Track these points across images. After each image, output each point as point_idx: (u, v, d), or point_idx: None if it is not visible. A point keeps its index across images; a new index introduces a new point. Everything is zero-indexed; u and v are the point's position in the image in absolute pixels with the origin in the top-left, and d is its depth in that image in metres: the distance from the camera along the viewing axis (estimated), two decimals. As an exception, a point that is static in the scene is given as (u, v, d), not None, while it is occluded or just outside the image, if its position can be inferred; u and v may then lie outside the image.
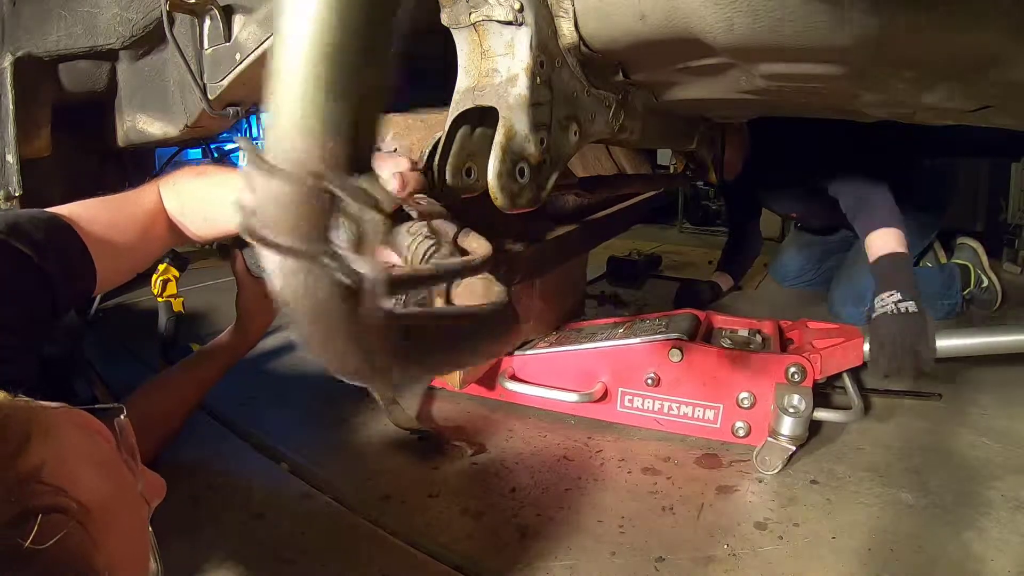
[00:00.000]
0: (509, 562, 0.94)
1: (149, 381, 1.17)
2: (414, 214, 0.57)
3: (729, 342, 1.34)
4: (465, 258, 0.53)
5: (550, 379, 1.36)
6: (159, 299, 1.62)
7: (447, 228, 0.58)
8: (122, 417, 0.50)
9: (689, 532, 1.00)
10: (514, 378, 1.37)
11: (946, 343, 1.27)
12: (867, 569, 0.91)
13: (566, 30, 0.66)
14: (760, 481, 1.13)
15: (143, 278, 1.60)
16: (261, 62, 0.85)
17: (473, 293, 0.60)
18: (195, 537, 0.99)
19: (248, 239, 0.31)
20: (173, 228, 0.91)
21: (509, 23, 0.61)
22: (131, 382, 1.19)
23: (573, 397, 1.31)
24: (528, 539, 0.98)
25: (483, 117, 0.66)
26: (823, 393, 1.35)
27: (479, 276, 0.58)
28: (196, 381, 1.23)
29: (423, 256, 0.55)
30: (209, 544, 0.98)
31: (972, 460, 1.18)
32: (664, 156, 2.57)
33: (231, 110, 0.97)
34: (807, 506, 1.06)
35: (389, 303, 0.35)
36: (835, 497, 1.08)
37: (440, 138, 0.67)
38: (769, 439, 1.14)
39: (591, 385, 1.32)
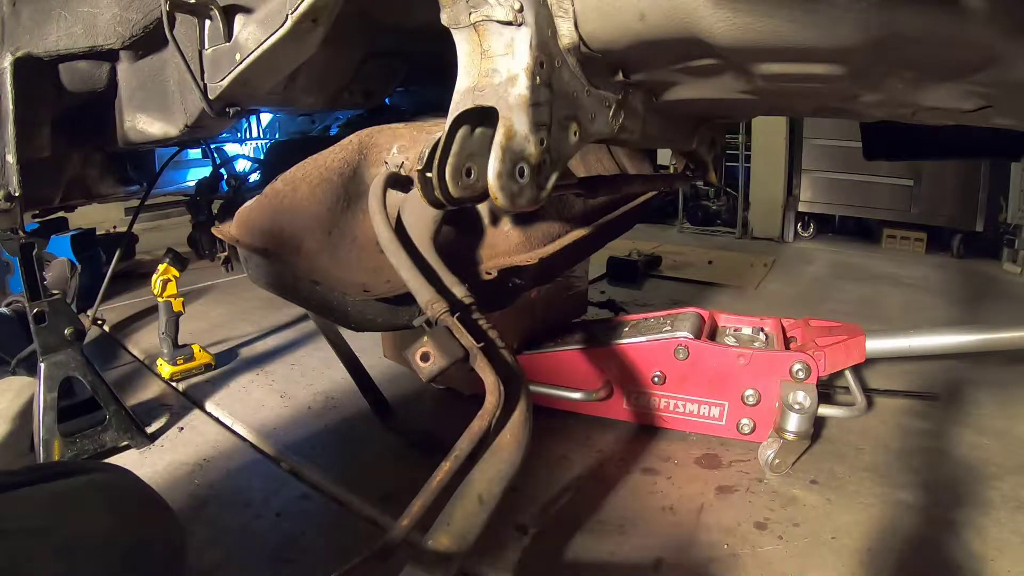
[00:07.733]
0: (509, 562, 0.94)
1: None
2: None
3: (733, 340, 1.34)
4: None
5: (556, 378, 1.36)
6: (159, 299, 1.62)
7: None
8: None
9: (689, 532, 1.00)
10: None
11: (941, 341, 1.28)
12: (867, 569, 0.91)
13: (566, 30, 0.66)
14: (760, 481, 1.13)
15: (143, 277, 1.60)
16: (261, 62, 0.85)
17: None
18: (195, 537, 0.99)
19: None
20: None
21: (509, 23, 0.61)
22: (132, 382, 1.19)
23: (579, 395, 1.31)
24: (528, 539, 0.99)
25: (483, 117, 0.66)
26: (824, 392, 1.35)
27: None
28: None
29: None
30: (209, 544, 0.98)
31: (972, 460, 1.18)
32: (664, 156, 2.57)
33: (231, 110, 0.97)
34: (807, 506, 1.06)
35: None
36: (835, 497, 1.08)
37: (440, 138, 0.67)
38: (774, 436, 1.15)
39: (597, 384, 1.32)
